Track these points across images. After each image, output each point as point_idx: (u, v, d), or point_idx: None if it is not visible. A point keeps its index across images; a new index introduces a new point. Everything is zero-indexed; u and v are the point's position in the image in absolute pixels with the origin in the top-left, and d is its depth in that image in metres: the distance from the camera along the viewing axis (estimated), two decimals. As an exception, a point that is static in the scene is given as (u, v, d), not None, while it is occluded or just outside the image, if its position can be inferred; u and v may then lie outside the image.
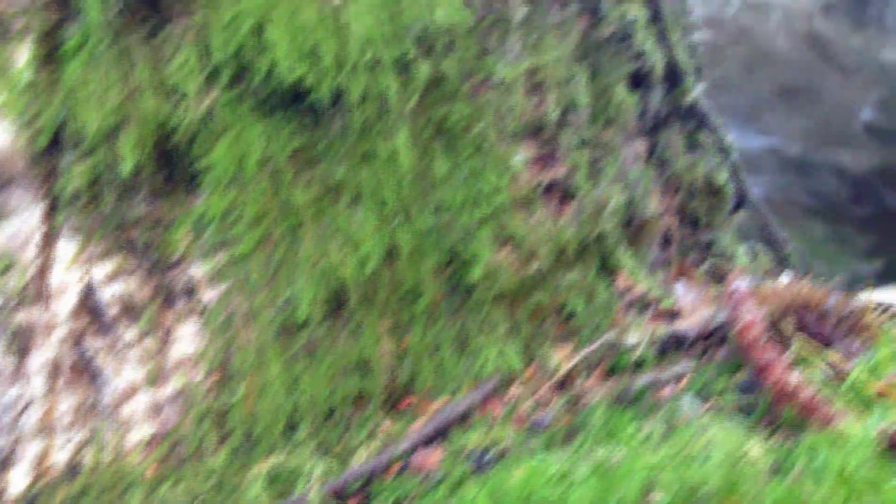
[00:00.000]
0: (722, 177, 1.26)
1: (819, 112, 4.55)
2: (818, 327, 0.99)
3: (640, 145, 1.18)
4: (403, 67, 0.99)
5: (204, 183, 0.94)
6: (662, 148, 1.18)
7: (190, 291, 0.94)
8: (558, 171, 1.06)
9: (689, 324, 1.04)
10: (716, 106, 4.83)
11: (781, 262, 1.40)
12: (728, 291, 1.03)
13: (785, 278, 1.16)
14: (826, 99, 4.41)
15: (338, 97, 0.95)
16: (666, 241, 1.18)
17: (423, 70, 1.00)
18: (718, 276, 1.21)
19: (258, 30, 0.91)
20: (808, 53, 4.05)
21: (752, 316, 0.97)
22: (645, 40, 1.18)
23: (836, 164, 4.93)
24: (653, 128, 1.20)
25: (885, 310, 1.09)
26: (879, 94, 4.12)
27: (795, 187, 5.37)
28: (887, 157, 4.67)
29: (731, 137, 5.01)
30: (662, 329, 1.03)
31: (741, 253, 1.31)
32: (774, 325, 1.00)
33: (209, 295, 0.93)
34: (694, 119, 1.26)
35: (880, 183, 4.94)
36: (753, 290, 1.04)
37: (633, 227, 1.11)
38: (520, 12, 1.07)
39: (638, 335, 1.01)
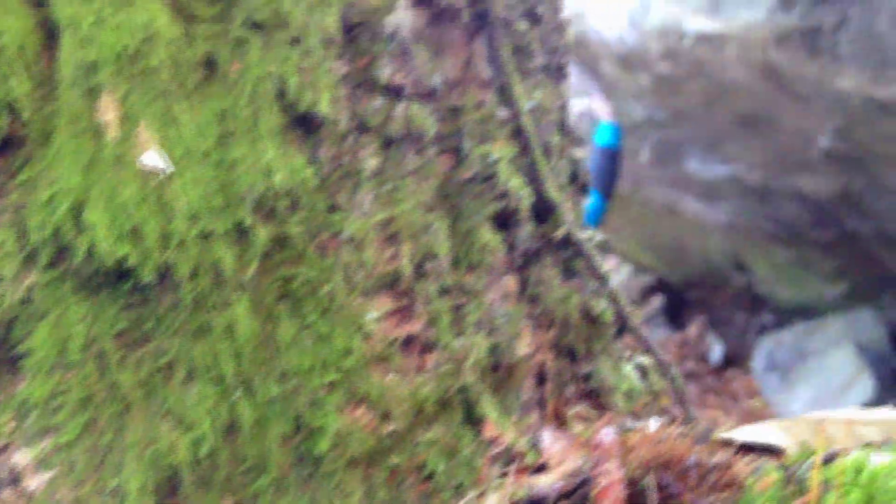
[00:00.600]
0: (600, 305, 1.22)
1: (778, 140, 4.54)
2: (679, 487, 0.95)
3: (510, 283, 1.13)
4: (239, 236, 0.95)
5: (26, 367, 0.90)
6: (534, 283, 1.14)
7: (15, 480, 0.90)
8: (416, 325, 1.02)
9: (551, 480, 1.00)
10: (678, 136, 4.82)
11: (669, 384, 1.36)
12: (594, 443, 1.00)
13: (653, 424, 1.12)
14: (784, 127, 4.40)
15: (166, 273, 0.90)
16: (541, 379, 1.14)
17: (262, 235, 0.96)
18: (598, 408, 1.17)
19: (76, 210, 0.87)
20: (765, 84, 4.04)
21: (612, 477, 0.94)
22: (510, 178, 1.13)
23: (796, 190, 4.94)
24: (523, 264, 1.15)
25: (753, 451, 1.05)
26: (836, 122, 4.11)
27: (758, 213, 5.38)
28: (846, 183, 4.67)
29: (695, 165, 4.96)
30: (523, 490, 0.99)
31: (626, 377, 1.27)
32: (634, 486, 0.96)
33: (34, 484, 0.89)
34: (569, 248, 1.22)
35: (841, 207, 4.94)
36: (619, 441, 1.00)
37: (501, 372, 1.07)
38: (371, 164, 1.03)
39: (497, 497, 0.98)
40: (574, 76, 4.72)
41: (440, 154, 1.10)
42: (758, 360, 5.94)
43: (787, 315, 6.98)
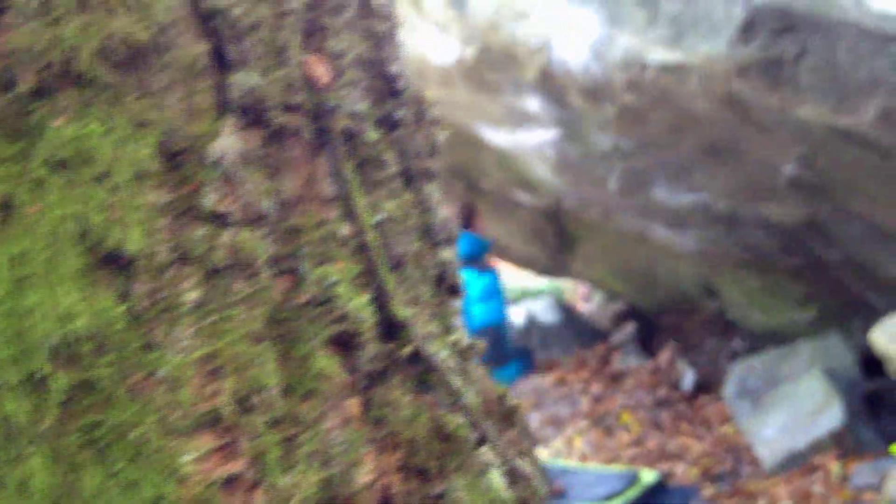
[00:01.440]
0: (455, 420, 1.18)
1: (743, 168, 4.57)
2: None
3: (352, 407, 1.09)
4: (35, 386, 0.90)
5: None
6: (379, 404, 1.10)
7: None
8: (239, 463, 0.97)
9: None
10: (644, 165, 4.83)
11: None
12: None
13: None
14: (749, 156, 4.43)
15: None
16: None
17: (62, 383, 0.91)
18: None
19: None
20: (728, 113, 4.07)
21: None
22: (351, 298, 1.10)
23: (763, 218, 4.97)
24: (367, 385, 1.12)
25: None
26: (800, 151, 4.15)
27: (726, 240, 5.40)
28: (812, 210, 4.71)
29: (662, 193, 4.97)
30: None
31: (489, 488, 1.21)
32: None
33: None
34: (419, 364, 1.19)
35: (808, 234, 4.98)
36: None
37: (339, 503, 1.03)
38: (192, 296, 0.99)
39: None
40: (539, 107, 4.75)
41: (276, 277, 1.06)
42: (729, 387, 5.95)
43: (759, 340, 7.00)
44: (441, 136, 1.39)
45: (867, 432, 4.93)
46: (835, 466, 4.67)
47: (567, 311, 7.99)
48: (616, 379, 6.75)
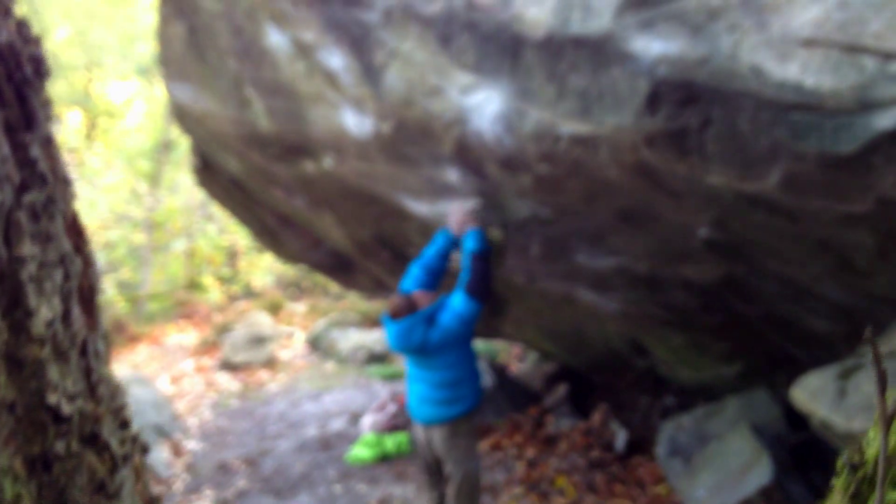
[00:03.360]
0: None
1: (660, 232, 4.64)
2: None
3: None
4: None
5: None
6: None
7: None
8: None
9: None
10: (564, 231, 4.86)
11: None
12: None
13: None
14: (664, 220, 4.50)
15: None
16: None
17: None
18: None
19: None
20: (640, 181, 4.13)
21: None
22: None
23: (683, 278, 5.04)
24: None
25: None
26: (712, 214, 4.23)
27: (648, 301, 5.47)
28: (729, 270, 4.79)
29: (583, 258, 5.02)
30: None
31: None
32: None
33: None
34: None
35: (727, 292, 5.06)
36: None
37: None
38: None
39: None
40: (457, 178, 4.77)
41: None
42: (661, 446, 5.97)
43: (690, 396, 7.07)
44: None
45: (796, 487, 4.97)
46: (765, 524, 4.70)
47: (500, 375, 7.97)
48: (550, 442, 6.73)
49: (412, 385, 4.92)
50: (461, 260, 4.94)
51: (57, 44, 18.41)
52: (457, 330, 4.64)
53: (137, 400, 7.81)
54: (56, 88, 17.79)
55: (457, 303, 4.68)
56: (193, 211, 14.90)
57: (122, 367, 10.87)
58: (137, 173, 15.32)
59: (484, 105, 4.18)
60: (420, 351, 4.69)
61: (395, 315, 4.71)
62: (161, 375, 10.50)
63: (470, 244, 4.78)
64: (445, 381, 4.75)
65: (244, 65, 5.24)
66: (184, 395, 9.62)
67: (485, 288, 4.67)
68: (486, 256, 4.75)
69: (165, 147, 14.99)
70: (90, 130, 18.00)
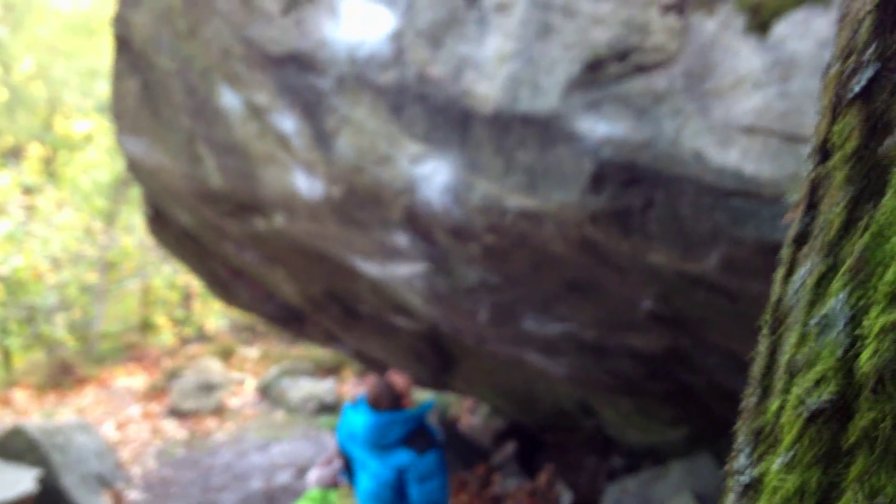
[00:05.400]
0: None
1: (605, 303, 4.69)
2: None
3: None
4: None
5: None
6: None
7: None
8: None
9: None
10: (511, 298, 4.90)
11: None
12: None
13: None
14: (609, 292, 4.55)
15: None
16: None
17: None
18: None
19: None
20: (585, 256, 4.18)
21: None
22: None
23: (629, 347, 5.09)
24: None
25: None
26: (655, 290, 4.28)
27: (595, 367, 5.50)
28: (673, 341, 4.85)
29: (531, 324, 5.06)
30: None
31: None
32: None
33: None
34: None
35: (671, 362, 5.12)
36: None
37: None
38: None
39: None
40: (407, 243, 4.80)
41: None
42: (605, 510, 5.98)
43: (638, 457, 7.10)
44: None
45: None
46: None
47: (448, 430, 7.95)
48: (496, 502, 6.70)
49: (358, 477, 4.74)
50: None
51: (20, 77, 18.30)
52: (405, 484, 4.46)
53: (80, 448, 7.67)
54: (18, 122, 17.65)
55: (430, 475, 4.44)
56: (148, 250, 14.76)
57: (67, 411, 10.67)
58: (93, 211, 15.17)
59: (433, 175, 4.22)
60: (381, 447, 4.45)
61: (376, 404, 4.46)
62: (107, 421, 10.32)
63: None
64: (395, 483, 4.51)
65: (197, 123, 5.24)
66: (129, 442, 9.47)
67: None
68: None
69: (123, 184, 14.88)
70: (49, 165, 17.84)
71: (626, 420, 6.45)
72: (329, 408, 10.74)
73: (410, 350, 7.10)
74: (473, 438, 8.21)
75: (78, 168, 16.50)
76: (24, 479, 6.52)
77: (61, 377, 12.31)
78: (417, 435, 4.49)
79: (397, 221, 4.68)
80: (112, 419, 10.44)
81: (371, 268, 5.47)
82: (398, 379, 4.60)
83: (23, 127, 17.66)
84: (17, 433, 7.23)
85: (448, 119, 4.11)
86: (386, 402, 4.46)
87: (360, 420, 4.50)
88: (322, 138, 4.55)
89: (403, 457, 4.39)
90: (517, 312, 5.18)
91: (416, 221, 4.57)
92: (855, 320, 0.77)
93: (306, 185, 4.89)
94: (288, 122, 4.67)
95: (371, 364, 8.14)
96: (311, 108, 4.55)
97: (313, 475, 7.59)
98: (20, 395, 11.66)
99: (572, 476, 7.10)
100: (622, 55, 3.70)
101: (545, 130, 3.83)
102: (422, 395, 9.14)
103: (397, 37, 4.19)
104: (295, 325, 7.96)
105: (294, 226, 5.46)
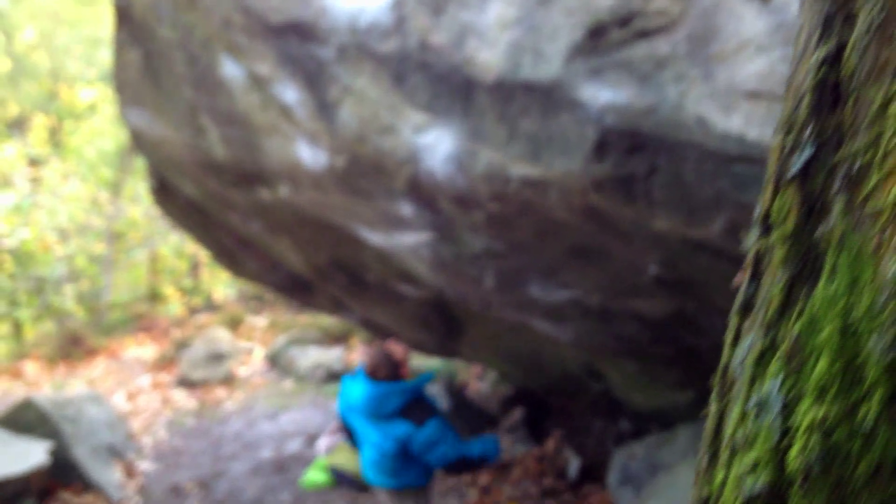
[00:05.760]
0: None
1: (610, 269, 4.70)
2: None
3: None
4: None
5: None
6: None
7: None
8: None
9: None
10: (517, 265, 4.91)
11: None
12: None
13: None
14: (614, 258, 4.55)
15: None
16: None
17: None
18: None
19: None
20: (589, 223, 4.18)
21: None
22: None
23: (634, 312, 5.10)
24: None
25: None
26: (660, 255, 4.28)
27: (601, 332, 5.52)
28: (679, 305, 4.86)
29: (537, 290, 5.07)
30: None
31: None
32: None
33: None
34: None
35: (676, 326, 5.13)
36: None
37: None
38: None
39: None
40: (411, 212, 4.80)
41: None
42: (613, 475, 6.02)
43: (645, 420, 7.14)
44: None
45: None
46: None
47: (456, 397, 7.99)
48: (504, 468, 6.76)
49: (361, 446, 4.73)
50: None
51: (23, 46, 18.23)
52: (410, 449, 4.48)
53: (91, 419, 7.74)
54: (21, 91, 17.61)
55: (433, 444, 4.45)
56: (155, 220, 14.78)
57: (78, 382, 10.76)
58: (99, 182, 15.18)
59: (436, 145, 4.21)
60: (382, 417, 4.45)
61: (374, 374, 4.47)
62: (117, 391, 10.40)
63: (479, 447, 4.63)
64: (397, 453, 4.51)
65: (199, 93, 5.23)
66: (139, 412, 9.55)
67: (454, 467, 4.53)
68: (469, 464, 4.57)
69: (128, 153, 14.87)
70: (54, 135, 17.82)
71: (632, 383, 6.47)
72: (337, 376, 10.80)
73: (417, 317, 7.12)
74: (481, 405, 8.26)
75: (83, 138, 16.49)
76: (36, 452, 6.59)
77: (71, 348, 12.39)
78: (416, 406, 4.50)
79: (401, 191, 4.67)
80: (122, 390, 10.52)
81: (376, 237, 5.48)
82: (396, 349, 4.61)
83: (27, 96, 17.62)
84: (27, 406, 7.29)
85: (450, 87, 4.10)
86: (384, 371, 4.46)
87: (358, 390, 4.52)
88: (324, 108, 4.54)
89: (403, 428, 4.41)
90: (522, 279, 5.19)
91: (420, 190, 4.57)
92: (788, 409, 0.78)
93: (310, 155, 4.89)
94: (290, 93, 4.65)
95: (379, 331, 8.17)
96: (312, 78, 4.53)
97: (323, 443, 7.67)
98: (31, 367, 11.75)
99: (580, 441, 7.15)
100: (625, 20, 3.67)
101: (548, 98, 3.81)
102: (429, 362, 9.19)
103: (398, 5, 4.16)
104: (302, 294, 7.99)
105: (298, 196, 5.46)
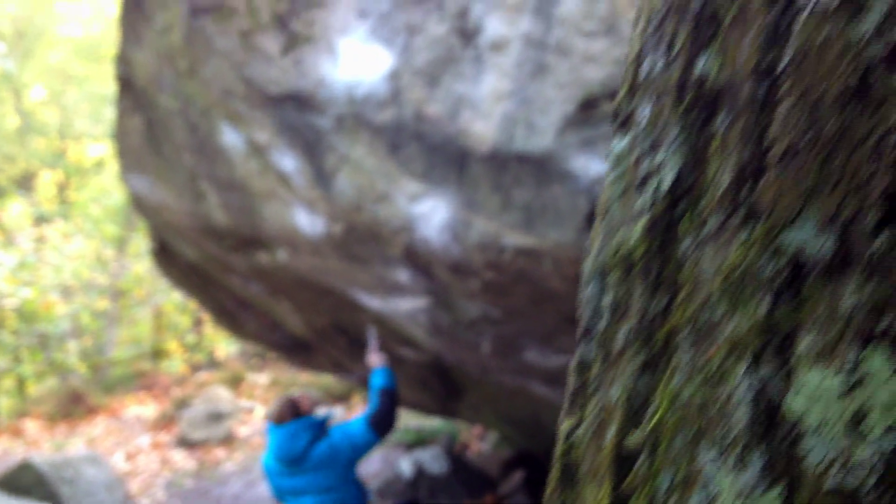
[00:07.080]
0: None
1: (606, 336, 4.68)
2: None
3: None
4: None
5: None
6: None
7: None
8: None
9: None
10: (513, 331, 4.91)
11: None
12: None
13: None
14: (610, 325, 4.55)
15: None
16: None
17: None
18: None
19: None
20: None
21: None
22: None
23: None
24: None
25: None
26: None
27: (598, 399, 5.48)
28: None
29: (534, 356, 5.06)
30: None
31: None
32: None
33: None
34: None
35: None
36: None
37: None
38: None
39: None
40: (408, 279, 4.82)
41: None
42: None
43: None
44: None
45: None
46: None
47: (456, 460, 7.93)
48: (503, 533, 6.68)
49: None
50: (369, 394, 4.93)
51: (32, 104, 18.47)
52: (345, 454, 4.53)
53: (89, 481, 7.70)
54: (29, 148, 17.80)
55: (355, 428, 4.61)
56: (159, 276, 14.83)
57: (78, 441, 10.71)
58: (104, 238, 15.27)
59: (431, 214, 4.24)
60: (300, 462, 4.49)
61: (279, 419, 4.57)
62: (116, 451, 10.35)
63: (378, 380, 4.83)
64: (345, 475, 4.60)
65: (199, 160, 5.29)
66: (138, 473, 9.49)
67: (388, 424, 4.65)
68: (393, 394, 4.78)
69: (133, 210, 14.97)
70: (62, 191, 17.97)
71: (632, 449, 6.43)
72: (338, 435, 10.72)
73: (417, 379, 7.11)
74: (481, 467, 8.19)
75: (89, 194, 16.62)
76: (33, 515, 6.55)
77: (72, 406, 12.36)
78: (322, 435, 4.63)
79: (397, 258, 4.70)
80: (122, 450, 10.47)
81: (374, 302, 5.50)
82: (303, 398, 4.71)
83: (35, 153, 17.81)
84: (25, 468, 7.27)
85: (445, 157, 4.14)
86: (288, 415, 4.56)
87: (273, 443, 4.58)
88: (322, 176, 4.59)
89: (323, 449, 4.53)
90: (519, 345, 5.19)
91: (416, 258, 4.60)
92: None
93: (307, 221, 4.93)
94: (288, 161, 4.71)
95: (378, 393, 8.14)
96: (310, 147, 4.59)
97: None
98: (31, 426, 11.71)
99: (580, 504, 7.07)
100: (615, 94, 3.71)
101: (541, 169, 3.85)
102: (431, 422, 9.15)
103: (395, 76, 4.23)
104: (302, 354, 7.99)
105: (297, 261, 5.50)
